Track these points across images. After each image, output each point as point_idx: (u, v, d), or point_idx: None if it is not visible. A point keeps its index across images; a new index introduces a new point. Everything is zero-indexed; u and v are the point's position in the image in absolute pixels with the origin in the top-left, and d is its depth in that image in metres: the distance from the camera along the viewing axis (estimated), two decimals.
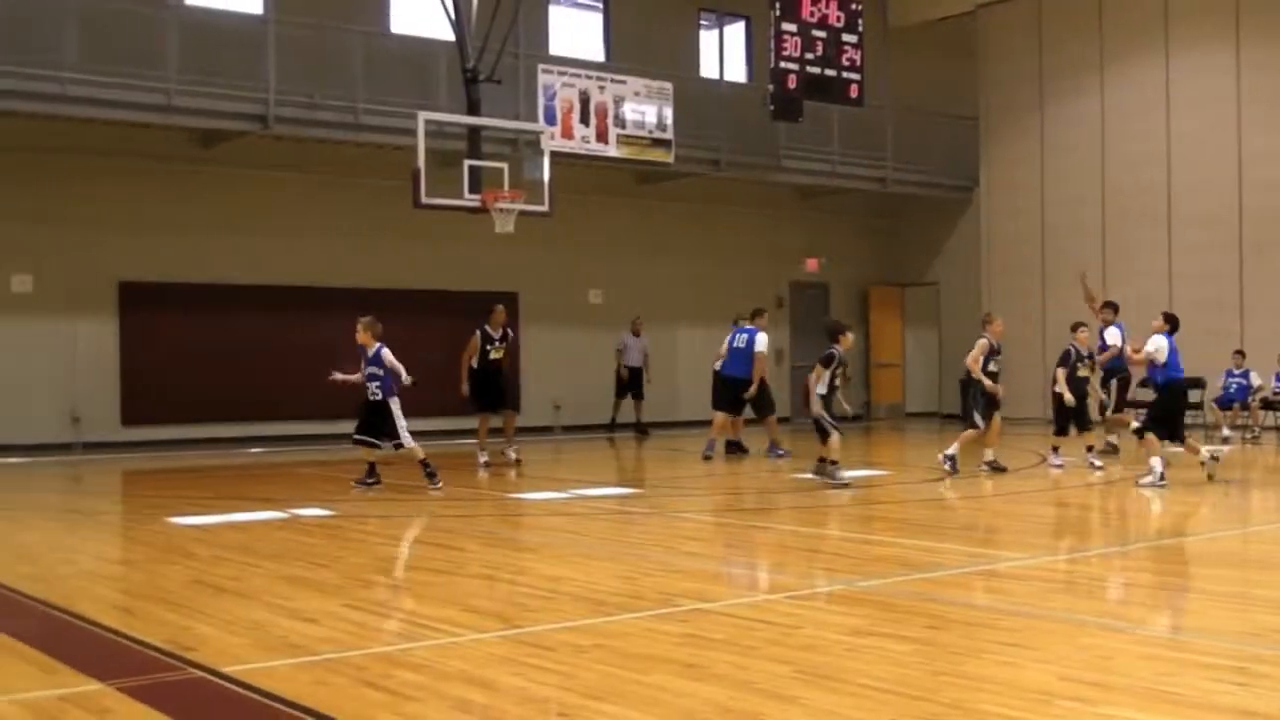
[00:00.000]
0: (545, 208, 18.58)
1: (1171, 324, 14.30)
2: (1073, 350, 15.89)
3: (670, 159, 22.70)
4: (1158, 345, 14.03)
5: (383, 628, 6.89)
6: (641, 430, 22.96)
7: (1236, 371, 20.73)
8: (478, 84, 18.54)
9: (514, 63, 20.55)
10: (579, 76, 21.66)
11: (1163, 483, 13.47)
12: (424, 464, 13.57)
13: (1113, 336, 17.59)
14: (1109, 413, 17.69)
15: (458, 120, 18.52)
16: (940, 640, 6.51)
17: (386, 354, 13.42)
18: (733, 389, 17.83)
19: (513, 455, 16.94)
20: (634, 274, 24.65)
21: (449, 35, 18.87)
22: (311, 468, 17.33)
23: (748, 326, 17.94)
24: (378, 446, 13.66)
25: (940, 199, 27.54)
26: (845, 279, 27.98)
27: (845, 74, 22.66)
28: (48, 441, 19.23)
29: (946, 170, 27.20)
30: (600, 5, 24.77)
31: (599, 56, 24.27)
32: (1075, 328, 16.14)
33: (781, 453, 17.68)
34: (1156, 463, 13.69)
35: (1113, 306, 18.05)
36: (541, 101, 20.93)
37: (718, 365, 18.34)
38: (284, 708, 5.31)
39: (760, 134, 24.02)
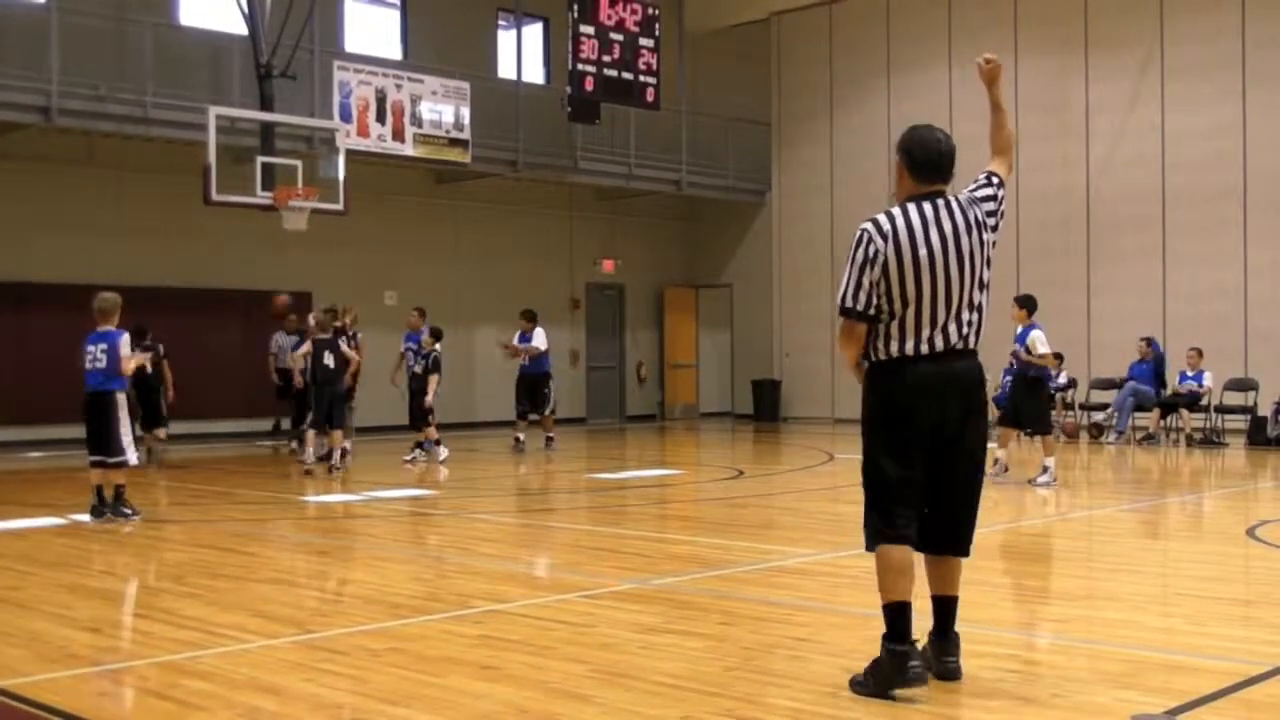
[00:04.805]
0: (340, 206, 18.39)
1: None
2: None
3: (467, 159, 22.59)
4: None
5: (169, 636, 6.72)
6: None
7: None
8: (271, 80, 18.25)
9: (309, 59, 20.20)
10: (375, 74, 21.38)
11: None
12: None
13: None
14: None
15: (250, 116, 18.19)
16: (733, 636, 6.65)
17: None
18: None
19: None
20: (431, 275, 24.41)
21: (242, 29, 18.50)
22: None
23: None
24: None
25: (734, 202, 27.99)
26: (641, 281, 28.25)
27: (642, 77, 22.88)
28: None
29: (741, 174, 27.66)
30: (398, 3, 24.53)
31: (396, 54, 24.02)
32: None
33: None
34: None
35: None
36: (337, 99, 20.59)
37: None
38: None
39: (558, 136, 24.08)
